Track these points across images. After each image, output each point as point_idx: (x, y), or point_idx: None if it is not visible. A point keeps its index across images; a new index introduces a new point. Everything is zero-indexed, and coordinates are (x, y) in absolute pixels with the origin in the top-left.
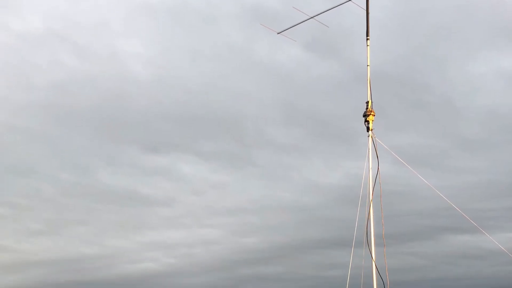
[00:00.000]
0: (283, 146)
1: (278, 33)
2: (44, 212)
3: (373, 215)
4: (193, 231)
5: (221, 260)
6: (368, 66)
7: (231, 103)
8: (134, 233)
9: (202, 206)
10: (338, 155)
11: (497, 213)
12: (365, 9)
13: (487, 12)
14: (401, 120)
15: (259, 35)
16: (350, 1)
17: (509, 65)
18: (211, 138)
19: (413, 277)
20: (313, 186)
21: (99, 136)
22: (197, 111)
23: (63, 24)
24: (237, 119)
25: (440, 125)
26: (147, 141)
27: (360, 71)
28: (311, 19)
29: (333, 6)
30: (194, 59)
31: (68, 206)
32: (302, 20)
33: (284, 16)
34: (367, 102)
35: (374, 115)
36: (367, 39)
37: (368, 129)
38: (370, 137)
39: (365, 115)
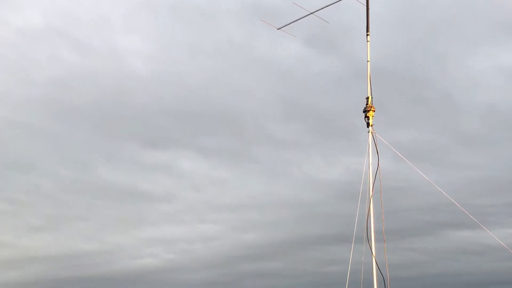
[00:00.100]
0: (283, 142)
1: (278, 29)
2: (44, 208)
3: (373, 211)
4: (193, 227)
5: (221, 256)
6: (368, 62)
7: (231, 99)
8: (134, 229)
9: (202, 202)
10: (338, 151)
11: (497, 209)
12: (365, 4)
13: (487, 8)
14: (401, 115)
15: (259, 31)
16: None
17: (509, 61)
18: (211, 134)
19: (413, 273)
20: (313, 182)
21: (99, 132)
22: (197, 107)
23: (63, 20)
24: (237, 115)
25: (440, 120)
26: (147, 137)
27: (360, 66)
28: (311, 14)
29: (333, 2)
30: (194, 55)
31: (68, 202)
32: (302, 15)
33: (284, 12)
34: (367, 98)
35: (374, 111)
36: (367, 35)
37: (368, 124)
38: (370, 133)
39: (365, 111)
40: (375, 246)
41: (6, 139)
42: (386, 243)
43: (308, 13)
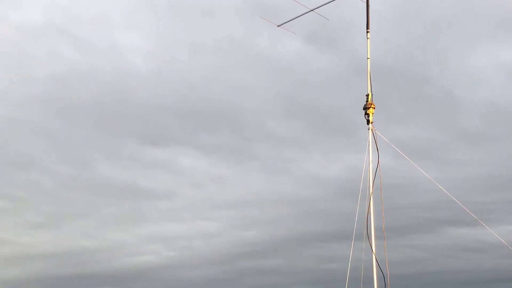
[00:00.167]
0: (283, 139)
1: (278, 26)
2: (44, 205)
3: (373, 208)
4: (193, 224)
5: (221, 253)
6: (368, 59)
7: (231, 96)
8: (134, 226)
9: (202, 199)
10: (338, 148)
11: (497, 206)
12: (365, 1)
13: (487, 5)
14: (401, 113)
15: (259, 28)
16: None
17: (509, 58)
18: (211, 131)
19: (413, 270)
20: (313, 179)
21: (99, 129)
22: (197, 104)
23: (63, 17)
24: (237, 112)
25: (440, 118)
26: (147, 134)
27: (360, 63)
28: (311, 11)
29: None
30: (194, 52)
31: (68, 199)
32: (302, 12)
33: (284, 9)
34: (367, 95)
35: (374, 108)
36: (367, 32)
37: (368, 122)
38: (370, 130)
39: (365, 108)
40: (375, 243)
41: (6, 136)
42: (386, 240)
43: (308, 10)
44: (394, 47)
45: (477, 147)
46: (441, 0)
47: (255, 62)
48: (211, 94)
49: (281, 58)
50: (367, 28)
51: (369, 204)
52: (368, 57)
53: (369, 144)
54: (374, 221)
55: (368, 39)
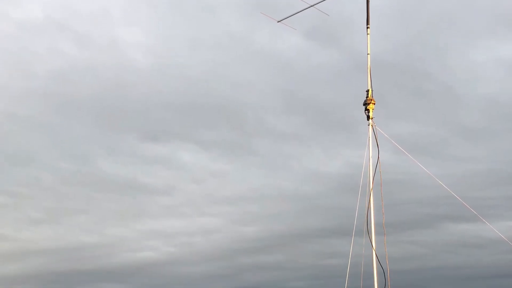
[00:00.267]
0: (283, 134)
1: (278, 22)
2: (44, 201)
3: (373, 204)
4: (193, 220)
5: (221, 249)
6: (368, 55)
7: (231, 91)
8: (134, 222)
9: (202, 194)
10: (338, 143)
11: (497, 202)
12: None
13: (487, 0)
14: (401, 108)
15: (259, 24)
16: None
17: (509, 54)
18: (211, 127)
19: (413, 266)
20: (313, 175)
21: (99, 124)
22: (197, 100)
23: (63, 13)
24: (237, 107)
25: (440, 113)
26: (147, 129)
27: (360, 59)
28: (311, 7)
29: None
30: (194, 47)
31: (68, 195)
32: (302, 8)
33: (284, 5)
34: (367, 91)
35: (374, 104)
36: (367, 28)
37: (368, 117)
38: (370, 126)
39: (365, 104)
40: (375, 239)
41: (6, 132)
42: (386, 236)
43: (308, 5)
44: (394, 43)
45: (477, 143)
46: None
47: (255, 58)
48: (211, 90)
49: (281, 53)
50: (367, 24)
51: (369, 200)
52: (368, 52)
53: (369, 139)
54: (374, 217)
55: (368, 35)
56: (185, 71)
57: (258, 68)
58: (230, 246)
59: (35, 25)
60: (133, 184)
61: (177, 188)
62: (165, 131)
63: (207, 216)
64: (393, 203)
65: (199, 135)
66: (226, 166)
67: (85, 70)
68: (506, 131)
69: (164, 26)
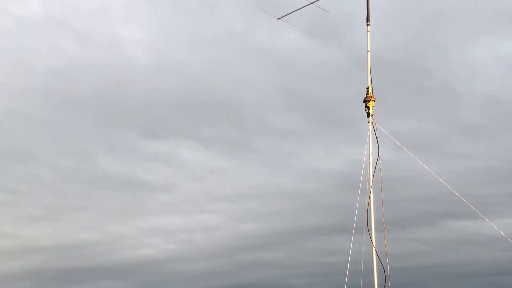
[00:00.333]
0: (283, 132)
1: (278, 19)
2: (44, 198)
3: (374, 201)
4: (193, 217)
5: (221, 246)
6: (369, 52)
7: (231, 89)
8: (134, 219)
9: (202, 192)
10: (338, 141)
11: (497, 199)
12: None
13: None
14: (401, 105)
15: (259, 21)
16: None
17: (509, 51)
18: (211, 124)
19: (413, 263)
20: (313, 173)
21: (99, 122)
22: (197, 97)
23: (62, 10)
24: (237, 105)
25: (440, 110)
26: (147, 127)
27: (361, 56)
28: (311, 4)
29: None
30: (194, 45)
31: (68, 192)
32: (302, 5)
33: (284, 2)
34: (367, 88)
35: (374, 101)
36: (367, 25)
37: (368, 114)
38: (370, 123)
39: (365, 101)
40: (375, 236)
41: (6, 129)
42: (386, 233)
43: (308, 3)
44: (394, 40)
45: (477, 140)
46: None
47: (255, 55)
48: (211, 87)
49: (281, 51)
50: (367, 21)
51: (369, 197)
52: (368, 50)
53: (369, 137)
54: (374, 214)
55: (368, 32)
56: (185, 69)
57: (258, 65)
58: (230, 243)
59: (35, 22)
60: (133, 181)
61: (177, 185)
62: (165, 128)
63: (207, 213)
64: (393, 200)
65: (199, 133)
66: (226, 163)
67: (85, 67)
68: (506, 128)
69: (164, 23)
